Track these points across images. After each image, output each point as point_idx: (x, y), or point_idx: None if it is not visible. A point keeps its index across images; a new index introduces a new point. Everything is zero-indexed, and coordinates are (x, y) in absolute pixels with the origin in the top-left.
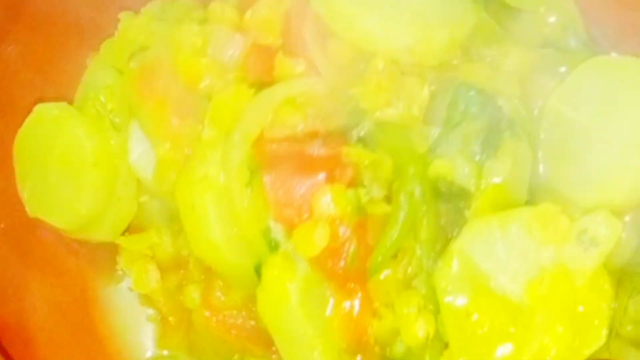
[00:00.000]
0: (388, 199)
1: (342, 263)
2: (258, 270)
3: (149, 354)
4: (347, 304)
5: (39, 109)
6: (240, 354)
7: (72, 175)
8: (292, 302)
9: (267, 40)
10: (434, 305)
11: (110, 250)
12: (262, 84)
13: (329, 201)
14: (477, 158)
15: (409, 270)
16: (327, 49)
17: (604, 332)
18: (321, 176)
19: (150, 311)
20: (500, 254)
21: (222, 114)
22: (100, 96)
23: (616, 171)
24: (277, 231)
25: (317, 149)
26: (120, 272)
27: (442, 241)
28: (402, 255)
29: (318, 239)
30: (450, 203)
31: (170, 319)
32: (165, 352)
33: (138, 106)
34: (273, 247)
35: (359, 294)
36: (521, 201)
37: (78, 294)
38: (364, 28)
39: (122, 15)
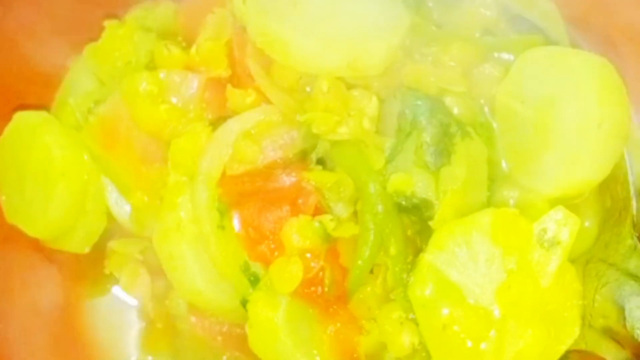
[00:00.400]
0: (355, 216)
1: (320, 290)
2: (244, 304)
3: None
4: (333, 327)
5: (18, 116)
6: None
7: (43, 184)
8: (281, 334)
9: (217, 72)
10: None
11: (91, 259)
12: (219, 119)
13: (297, 236)
14: (432, 168)
15: (386, 284)
16: (271, 75)
17: (577, 327)
18: (285, 209)
19: (135, 317)
20: (467, 264)
21: (183, 159)
22: (79, 104)
23: (568, 163)
24: (256, 265)
25: (278, 181)
26: (102, 281)
27: (413, 252)
28: (377, 271)
29: (292, 275)
30: (414, 215)
31: (158, 324)
32: (149, 358)
33: (103, 159)
34: (254, 281)
35: (343, 315)
36: (482, 198)
37: (60, 301)
38: (302, 53)
39: (107, 24)
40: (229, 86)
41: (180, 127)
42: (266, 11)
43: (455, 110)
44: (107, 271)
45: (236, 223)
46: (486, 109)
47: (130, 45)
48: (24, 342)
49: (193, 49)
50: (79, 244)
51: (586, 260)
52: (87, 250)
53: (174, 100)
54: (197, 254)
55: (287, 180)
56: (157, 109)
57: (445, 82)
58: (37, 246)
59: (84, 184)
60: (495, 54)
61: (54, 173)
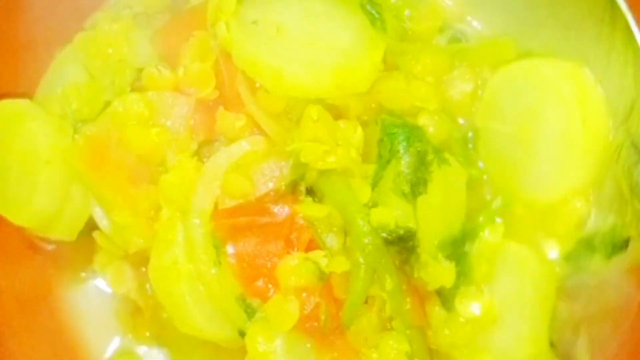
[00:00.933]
0: (345, 248)
1: (316, 324)
2: (241, 334)
3: (114, 347)
4: (331, 356)
5: (1, 105)
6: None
7: (28, 173)
8: None
9: (205, 93)
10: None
11: (75, 246)
12: (207, 143)
13: (293, 274)
14: (409, 197)
15: (385, 312)
16: (258, 102)
17: None
18: (280, 245)
19: (118, 305)
20: None
21: (173, 194)
22: (66, 94)
23: (559, 169)
24: (252, 298)
25: (271, 216)
26: (86, 269)
27: (404, 281)
28: (372, 301)
29: (289, 313)
30: (398, 245)
31: (146, 314)
32: (135, 345)
33: (88, 178)
34: (250, 313)
35: (340, 344)
36: (460, 218)
37: (45, 290)
38: (292, 79)
39: (102, 16)
40: (220, 108)
41: (170, 151)
42: (252, 39)
43: (431, 130)
44: (95, 267)
45: (232, 258)
46: (461, 121)
47: (125, 43)
48: (10, 329)
49: (180, 71)
50: (65, 231)
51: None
52: (73, 237)
53: (164, 122)
54: (194, 291)
55: (279, 214)
56: (149, 132)
57: (419, 100)
58: (21, 235)
59: (69, 172)
60: (464, 59)
61: (39, 161)
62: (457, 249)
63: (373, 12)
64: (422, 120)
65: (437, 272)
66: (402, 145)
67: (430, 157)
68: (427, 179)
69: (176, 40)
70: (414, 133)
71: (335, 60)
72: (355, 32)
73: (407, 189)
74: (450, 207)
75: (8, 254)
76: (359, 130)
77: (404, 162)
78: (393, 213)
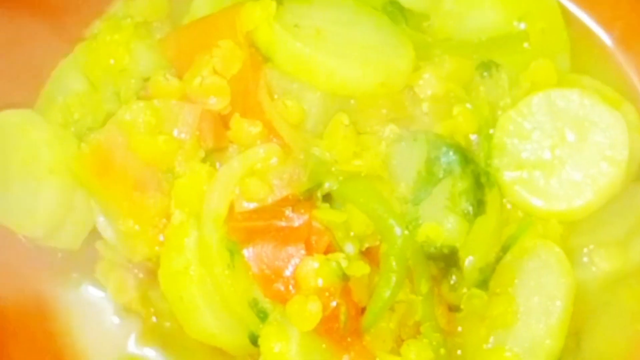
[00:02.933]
0: (362, 255)
1: (335, 326)
2: (252, 339)
3: (116, 356)
4: (347, 356)
5: (3, 115)
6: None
7: (31, 182)
8: None
9: (217, 106)
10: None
11: (74, 258)
12: (216, 150)
13: (314, 275)
14: (470, 216)
15: (407, 318)
16: (278, 110)
17: None
18: (300, 247)
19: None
20: None
21: (187, 198)
22: (68, 103)
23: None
24: (265, 301)
25: (289, 220)
26: (85, 283)
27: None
28: (398, 307)
29: (312, 313)
30: (439, 260)
31: (148, 323)
32: (137, 354)
33: (92, 186)
34: (262, 317)
35: (356, 345)
36: (501, 241)
37: (47, 299)
38: (345, 77)
39: (103, 26)
40: (236, 115)
41: (178, 158)
42: (300, 39)
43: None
44: (98, 277)
45: (250, 261)
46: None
47: (126, 52)
48: (14, 339)
49: (197, 81)
50: (68, 240)
51: None
52: (77, 247)
53: (171, 130)
54: (207, 296)
55: (297, 219)
56: (155, 140)
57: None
58: (22, 245)
59: (72, 181)
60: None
61: (42, 171)
62: (491, 269)
63: (394, 11)
64: (457, 110)
65: (473, 298)
66: (459, 166)
67: (483, 179)
68: (484, 200)
69: (182, 50)
70: (469, 156)
71: (378, 60)
72: (386, 33)
73: (469, 208)
74: (499, 230)
75: (10, 262)
76: (383, 144)
77: (464, 182)
78: (445, 230)
